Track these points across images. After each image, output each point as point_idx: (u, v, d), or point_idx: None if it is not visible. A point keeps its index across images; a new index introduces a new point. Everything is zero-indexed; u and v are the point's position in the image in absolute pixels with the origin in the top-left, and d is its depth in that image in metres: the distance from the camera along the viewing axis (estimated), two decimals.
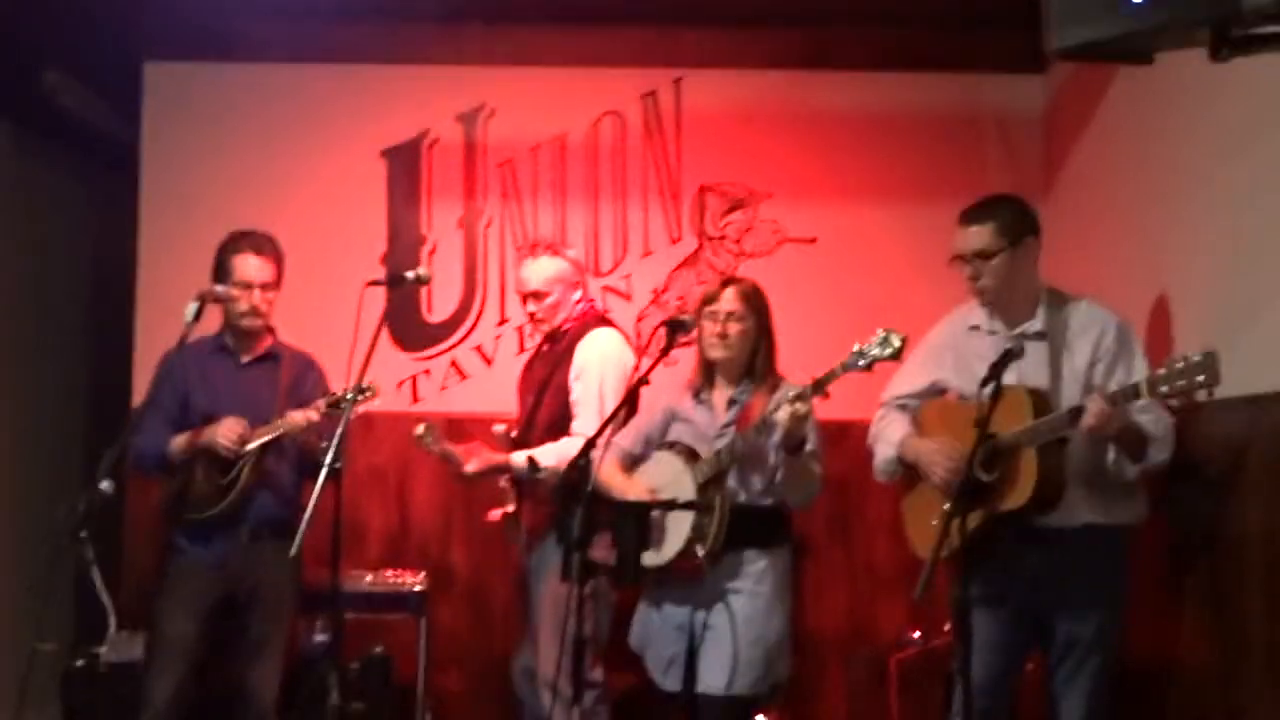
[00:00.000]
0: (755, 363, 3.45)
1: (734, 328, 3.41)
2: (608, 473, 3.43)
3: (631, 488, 3.44)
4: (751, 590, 3.33)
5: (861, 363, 3.11)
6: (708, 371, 3.50)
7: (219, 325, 3.89)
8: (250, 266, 3.82)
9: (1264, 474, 3.01)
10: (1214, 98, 3.33)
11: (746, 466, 3.37)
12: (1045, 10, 2.22)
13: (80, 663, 4.15)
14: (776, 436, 3.28)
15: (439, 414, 4.86)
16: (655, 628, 3.44)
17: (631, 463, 3.57)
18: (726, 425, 3.40)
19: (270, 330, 3.93)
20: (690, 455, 3.36)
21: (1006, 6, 4.28)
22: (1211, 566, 3.26)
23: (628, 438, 3.54)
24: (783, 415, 3.14)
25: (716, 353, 3.42)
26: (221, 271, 3.83)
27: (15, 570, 4.82)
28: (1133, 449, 3.08)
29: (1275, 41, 2.10)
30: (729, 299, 3.43)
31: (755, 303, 3.46)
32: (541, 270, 3.95)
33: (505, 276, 4.93)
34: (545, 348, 4.05)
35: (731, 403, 3.43)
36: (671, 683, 3.39)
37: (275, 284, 3.88)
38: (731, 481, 3.35)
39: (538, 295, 3.94)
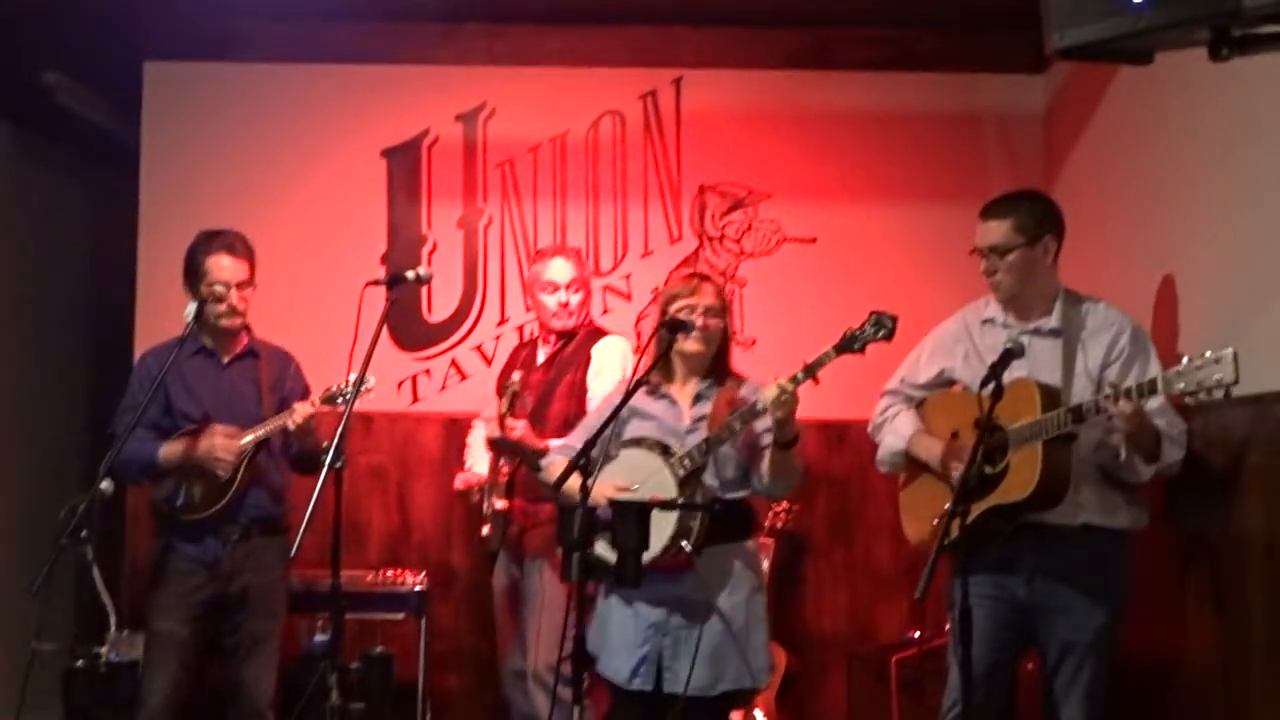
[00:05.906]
0: (719, 360, 3.44)
1: (714, 322, 3.40)
2: (559, 475, 3.17)
3: (601, 489, 3.20)
4: (730, 585, 3.30)
5: (856, 345, 3.12)
6: (666, 366, 3.46)
7: (184, 327, 3.74)
8: (225, 267, 3.76)
9: (1264, 474, 3.02)
10: (1214, 97, 3.34)
11: (722, 459, 3.35)
12: (1045, 10, 2.21)
13: (80, 663, 4.14)
14: (768, 424, 3.24)
15: (439, 414, 4.88)
16: (627, 626, 3.33)
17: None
18: (698, 420, 3.37)
19: (246, 328, 3.90)
20: (664, 450, 3.32)
21: (1006, 6, 4.29)
22: (1213, 566, 3.27)
23: (578, 437, 3.46)
24: (770, 394, 3.12)
25: (696, 346, 3.39)
26: (195, 273, 3.77)
27: (15, 570, 4.82)
28: (1148, 448, 3.08)
29: (1275, 41, 2.10)
30: (710, 294, 3.41)
31: (724, 300, 3.47)
32: (575, 267, 4.08)
33: (505, 276, 4.93)
34: (555, 348, 4.07)
35: (698, 397, 3.40)
36: (641, 683, 3.28)
37: (250, 281, 3.82)
38: (708, 475, 3.32)
39: (570, 289, 4.03)
